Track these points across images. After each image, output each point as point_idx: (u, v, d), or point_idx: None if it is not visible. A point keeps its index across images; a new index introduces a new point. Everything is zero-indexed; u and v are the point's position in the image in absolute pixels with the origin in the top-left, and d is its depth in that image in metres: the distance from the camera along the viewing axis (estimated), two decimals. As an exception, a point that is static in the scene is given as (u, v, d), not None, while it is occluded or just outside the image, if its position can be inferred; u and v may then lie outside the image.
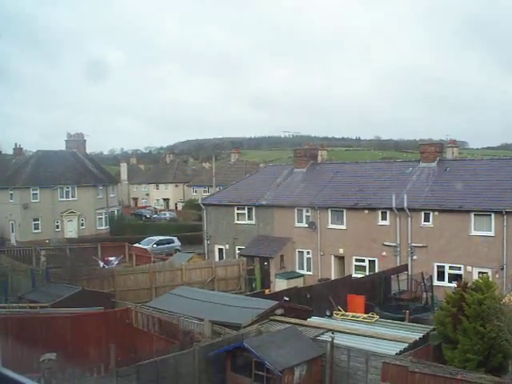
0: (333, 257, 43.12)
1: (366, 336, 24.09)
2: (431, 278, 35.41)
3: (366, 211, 41.21)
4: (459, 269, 36.64)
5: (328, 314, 28.76)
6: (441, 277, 37.32)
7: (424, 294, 34.04)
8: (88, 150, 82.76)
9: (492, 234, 35.51)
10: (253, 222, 47.90)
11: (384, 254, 40.04)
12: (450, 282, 35.67)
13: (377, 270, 39.33)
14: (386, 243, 39.96)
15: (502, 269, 34.80)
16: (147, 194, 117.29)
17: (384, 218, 40.38)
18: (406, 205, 38.61)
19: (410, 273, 36.98)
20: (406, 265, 38.14)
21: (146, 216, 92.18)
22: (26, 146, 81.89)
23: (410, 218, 38.84)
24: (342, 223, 42.63)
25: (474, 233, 36.17)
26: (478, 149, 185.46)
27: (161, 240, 60.75)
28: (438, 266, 37.68)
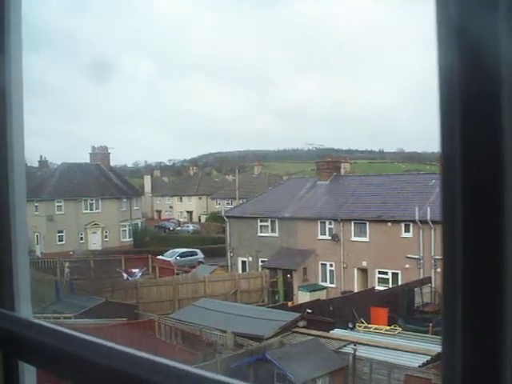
0: (356, 269, 42.98)
1: (388, 348, 24.01)
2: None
3: (389, 223, 41.07)
4: (483, 281, 36.37)
5: (350, 326, 28.68)
6: (465, 289, 37.06)
7: (447, 307, 33.82)
8: (112, 163, 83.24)
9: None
10: (276, 234, 47.87)
11: (407, 266, 39.85)
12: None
13: (400, 283, 39.17)
14: (409, 256, 39.77)
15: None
16: (171, 207, 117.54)
17: (407, 231, 40.22)
18: (429, 217, 38.39)
19: (433, 285, 36.79)
20: (430, 277, 37.93)
21: (169, 228, 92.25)
22: (50, 158, 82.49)
23: (433, 231, 38.61)
24: (365, 236, 42.51)
25: (498, 245, 35.92)
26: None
27: (184, 252, 60.76)
28: (461, 279, 37.41)
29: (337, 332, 27.20)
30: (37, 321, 1.83)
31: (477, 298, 0.90)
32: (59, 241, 68.49)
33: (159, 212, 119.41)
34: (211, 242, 69.55)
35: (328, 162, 51.74)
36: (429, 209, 38.73)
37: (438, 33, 0.91)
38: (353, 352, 22.13)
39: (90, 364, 1.51)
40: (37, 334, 1.70)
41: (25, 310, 2.00)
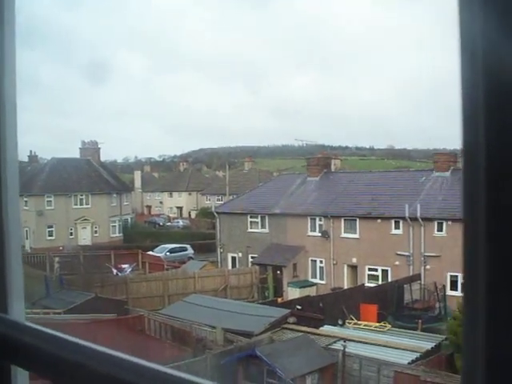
0: (346, 266, 43.05)
1: (378, 345, 24.08)
2: (444, 287, 35.32)
3: (379, 220, 41.16)
4: (473, 279, 36.44)
5: (340, 322, 28.72)
6: (454, 286, 37.17)
7: (437, 304, 33.95)
8: (102, 158, 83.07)
9: (506, 243, 35.35)
10: (266, 230, 47.89)
11: (397, 263, 39.94)
12: (463, 291, 35.48)
13: (390, 280, 39.27)
14: (399, 252, 39.87)
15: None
16: (161, 202, 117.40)
17: (397, 228, 40.31)
18: (419, 214, 38.53)
19: (422, 282, 36.91)
20: (419, 274, 38.06)
21: (159, 224, 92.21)
22: (40, 153, 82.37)
23: (423, 228, 38.75)
24: (355, 232, 42.58)
25: (487, 242, 35.94)
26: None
27: (174, 248, 60.70)
28: (451, 276, 37.52)
29: (326, 328, 27.24)
30: (30, 324, 1.81)
31: (501, 297, 0.88)
32: (49, 236, 68.36)
33: (149, 207, 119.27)
34: (201, 238, 69.49)
35: (318, 159, 51.77)
36: (419, 206, 38.87)
37: (461, 24, 0.89)
38: (342, 348, 22.18)
39: (84, 369, 1.49)
40: (30, 338, 1.68)
41: (17, 311, 1.98)
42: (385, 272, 40.83)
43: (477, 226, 0.88)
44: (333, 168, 52.10)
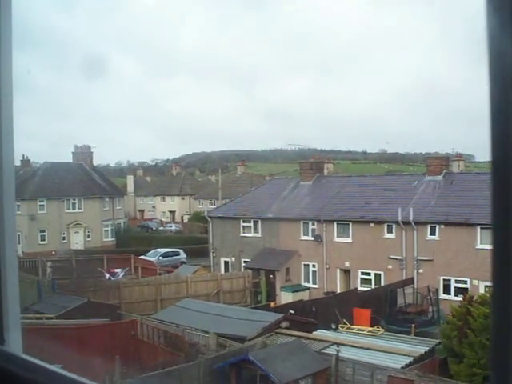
0: (338, 270, 43.05)
1: (371, 349, 24.06)
2: (437, 291, 35.35)
3: (372, 224, 41.18)
4: (465, 282, 36.54)
5: (333, 327, 28.71)
6: (447, 290, 37.24)
7: (430, 308, 33.99)
8: (95, 162, 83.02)
9: (498, 247, 35.34)
10: (259, 234, 47.85)
11: (390, 267, 39.97)
12: (456, 295, 35.59)
13: (383, 284, 39.28)
14: (391, 256, 39.90)
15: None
16: (153, 207, 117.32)
17: (390, 232, 40.34)
18: (411, 218, 38.56)
19: (415, 286, 36.92)
20: (412, 278, 38.08)
21: (151, 228, 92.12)
22: (33, 157, 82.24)
23: (415, 232, 38.78)
24: (348, 236, 42.59)
25: (480, 246, 36.02)
26: (484, 162, 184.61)
27: (167, 252, 60.61)
28: (443, 280, 37.59)
29: (319, 333, 27.23)
30: (27, 357, 1.77)
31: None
32: (41, 240, 68.23)
33: (142, 212, 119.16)
34: (194, 242, 69.38)
35: (311, 163, 51.78)
36: (411, 210, 38.90)
37: (489, 28, 0.87)
38: (336, 353, 22.15)
39: None
40: (26, 372, 1.65)
41: (14, 341, 1.93)
42: (378, 276, 40.85)
43: (508, 231, 0.87)
44: (325, 172, 52.21)
